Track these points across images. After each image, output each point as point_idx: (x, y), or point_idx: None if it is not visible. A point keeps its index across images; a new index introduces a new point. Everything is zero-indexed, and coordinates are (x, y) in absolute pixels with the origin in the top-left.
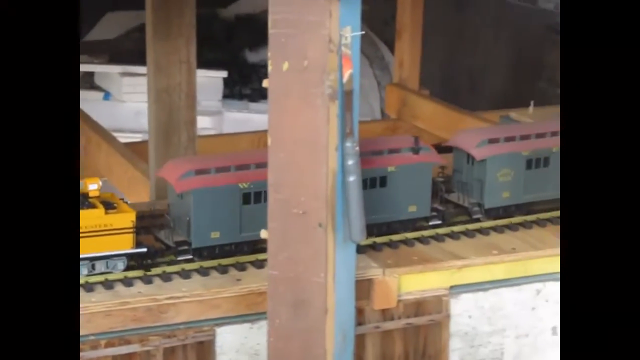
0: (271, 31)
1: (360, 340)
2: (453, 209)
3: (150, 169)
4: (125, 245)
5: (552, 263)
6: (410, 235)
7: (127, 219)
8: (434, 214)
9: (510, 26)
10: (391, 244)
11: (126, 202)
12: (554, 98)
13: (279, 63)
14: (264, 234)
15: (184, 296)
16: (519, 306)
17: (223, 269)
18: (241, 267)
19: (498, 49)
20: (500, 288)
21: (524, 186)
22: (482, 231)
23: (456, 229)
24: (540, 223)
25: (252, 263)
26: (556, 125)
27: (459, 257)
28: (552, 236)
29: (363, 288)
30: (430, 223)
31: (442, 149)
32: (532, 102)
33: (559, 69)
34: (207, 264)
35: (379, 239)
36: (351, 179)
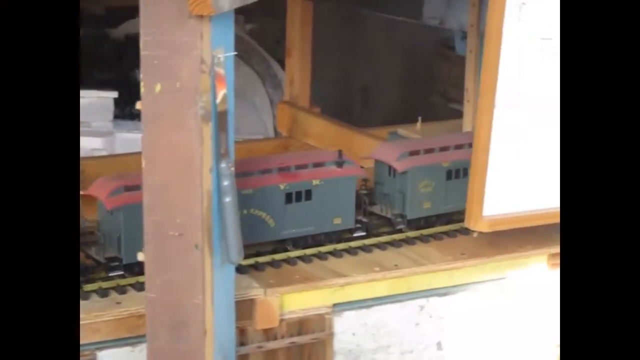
0: (143, 53)
1: None
2: (376, 220)
3: None
4: None
5: (435, 279)
6: (292, 254)
7: None
8: (358, 225)
9: (402, 42)
10: (273, 264)
11: None
12: (446, 111)
13: (152, 85)
14: (140, 256)
15: None
16: (402, 322)
17: (103, 292)
18: (122, 290)
19: (390, 65)
20: (383, 305)
21: (444, 197)
22: (365, 248)
23: (339, 246)
24: (423, 239)
25: (133, 286)
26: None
27: (341, 275)
28: (435, 252)
29: (245, 308)
30: (355, 235)
31: None
32: (419, 118)
33: (450, 82)
34: (87, 287)
35: (261, 259)
36: (227, 199)
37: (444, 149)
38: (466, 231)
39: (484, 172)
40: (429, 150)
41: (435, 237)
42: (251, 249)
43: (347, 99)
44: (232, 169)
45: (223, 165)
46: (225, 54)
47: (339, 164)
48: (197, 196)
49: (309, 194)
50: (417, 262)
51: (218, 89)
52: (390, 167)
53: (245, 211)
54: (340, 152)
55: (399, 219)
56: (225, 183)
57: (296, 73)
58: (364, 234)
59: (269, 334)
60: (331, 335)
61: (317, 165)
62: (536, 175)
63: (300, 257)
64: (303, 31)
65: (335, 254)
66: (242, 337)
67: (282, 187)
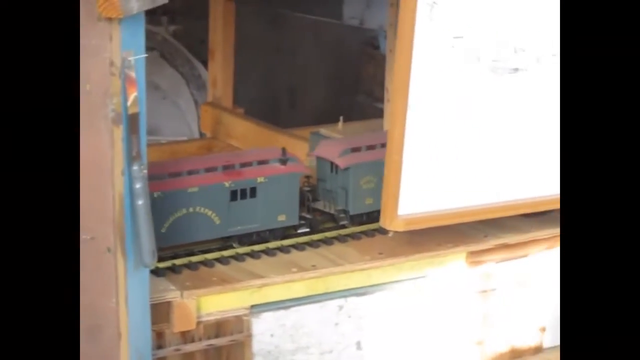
0: None
1: None
2: (320, 216)
3: None
4: None
5: (353, 278)
6: (209, 256)
7: None
8: (303, 222)
9: (328, 42)
10: (190, 266)
11: None
12: (372, 110)
13: None
14: None
15: None
16: (321, 323)
17: None
18: None
19: (317, 65)
20: (301, 305)
21: None
22: (283, 249)
23: (256, 248)
24: (341, 239)
25: None
26: None
27: (258, 276)
28: (353, 251)
29: (162, 311)
30: (299, 231)
31: None
32: (341, 118)
33: (375, 81)
34: None
35: (178, 261)
36: (139, 202)
37: (384, 145)
38: (384, 230)
39: (398, 172)
40: (370, 147)
41: (354, 236)
42: (179, 249)
43: (273, 100)
44: (145, 171)
45: (135, 167)
46: (135, 56)
47: (283, 162)
48: (108, 199)
49: (253, 192)
50: (335, 262)
51: (129, 92)
52: (332, 163)
53: (190, 209)
54: (284, 150)
55: (342, 215)
56: (138, 186)
57: (219, 74)
58: (308, 230)
59: (186, 337)
60: (249, 336)
61: (261, 162)
62: (452, 174)
63: (217, 259)
64: (225, 32)
65: (252, 255)
66: (159, 340)
67: (227, 184)
